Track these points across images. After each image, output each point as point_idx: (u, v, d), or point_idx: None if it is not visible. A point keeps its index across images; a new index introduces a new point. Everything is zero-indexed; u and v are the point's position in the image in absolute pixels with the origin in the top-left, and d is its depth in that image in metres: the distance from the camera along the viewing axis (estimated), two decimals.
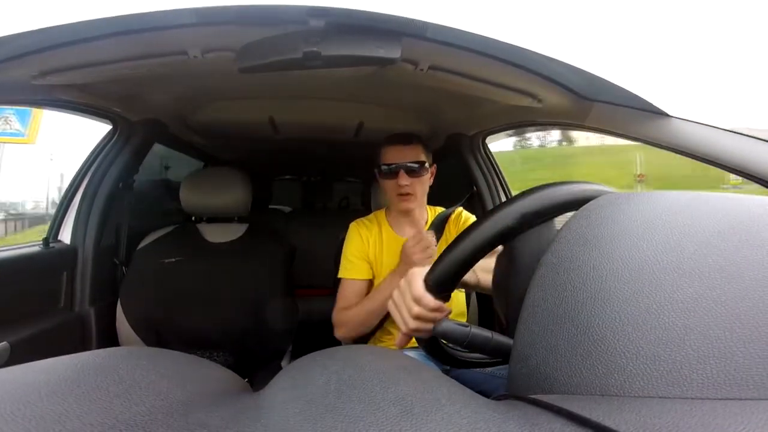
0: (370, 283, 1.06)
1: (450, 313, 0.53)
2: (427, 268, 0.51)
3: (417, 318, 0.51)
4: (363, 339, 1.08)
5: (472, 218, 1.11)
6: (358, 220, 1.12)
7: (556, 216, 0.45)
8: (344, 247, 1.07)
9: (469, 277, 0.66)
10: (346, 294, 1.01)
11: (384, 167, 1.02)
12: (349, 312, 0.95)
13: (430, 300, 0.49)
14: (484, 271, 0.64)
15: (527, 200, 0.45)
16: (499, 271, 0.49)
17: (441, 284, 0.49)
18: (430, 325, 0.50)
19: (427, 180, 1.05)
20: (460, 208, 1.12)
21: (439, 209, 1.14)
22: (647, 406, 0.20)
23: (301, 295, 1.44)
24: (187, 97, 1.24)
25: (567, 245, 0.30)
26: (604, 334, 0.23)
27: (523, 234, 0.45)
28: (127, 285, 1.21)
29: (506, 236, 0.45)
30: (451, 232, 1.08)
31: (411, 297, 0.51)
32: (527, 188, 0.46)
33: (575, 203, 0.43)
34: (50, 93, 0.89)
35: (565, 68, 0.69)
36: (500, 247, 0.48)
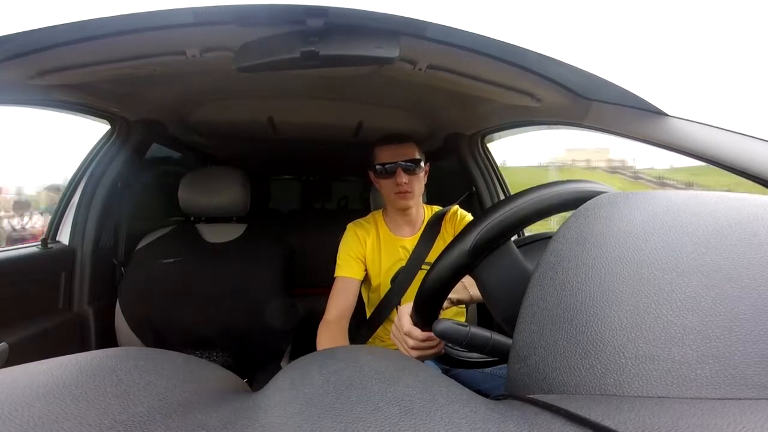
0: (361, 283, 1.06)
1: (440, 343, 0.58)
2: (411, 305, 0.55)
3: (414, 348, 0.56)
4: (364, 338, 1.08)
5: (468, 216, 1.11)
6: (355, 221, 1.12)
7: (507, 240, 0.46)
8: (340, 247, 1.08)
9: (462, 295, 0.70)
10: (335, 292, 1.01)
11: (380, 167, 1.03)
12: (322, 336, 0.94)
13: (418, 333, 0.55)
14: (475, 286, 0.66)
15: (471, 236, 0.45)
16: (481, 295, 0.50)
17: (422, 319, 0.54)
18: (430, 351, 0.56)
19: (422, 178, 1.06)
20: (456, 207, 1.13)
21: (437, 208, 1.15)
22: (646, 405, 0.20)
23: (299, 294, 1.43)
24: (186, 96, 1.24)
25: (566, 244, 0.30)
26: (602, 333, 0.23)
27: (483, 262, 0.46)
28: (126, 285, 1.21)
29: (464, 269, 0.46)
30: (447, 231, 1.08)
31: (403, 332, 0.57)
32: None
33: (527, 222, 0.45)
34: (47, 93, 0.88)
35: (564, 67, 0.69)
36: None
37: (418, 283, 0.87)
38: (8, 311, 0.99)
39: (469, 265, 0.45)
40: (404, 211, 1.06)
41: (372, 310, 1.09)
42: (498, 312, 0.45)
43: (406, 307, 0.58)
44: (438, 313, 0.53)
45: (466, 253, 0.45)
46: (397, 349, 0.59)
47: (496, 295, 0.45)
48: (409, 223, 1.09)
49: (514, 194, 0.46)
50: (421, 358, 0.57)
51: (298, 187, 3.11)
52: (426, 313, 0.52)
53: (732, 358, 0.20)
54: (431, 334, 0.51)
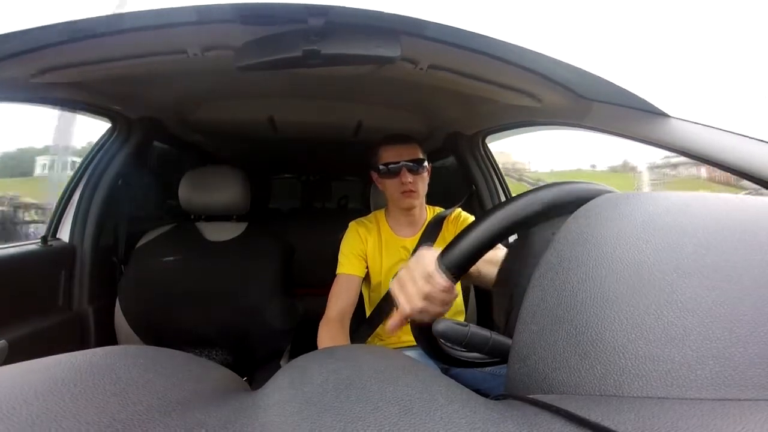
0: (362, 281, 1.06)
1: (456, 296, 0.51)
2: (438, 250, 0.47)
3: (426, 298, 0.47)
4: (363, 337, 1.08)
5: (471, 218, 1.11)
6: (357, 219, 1.13)
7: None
8: (342, 245, 1.08)
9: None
10: (337, 290, 1.02)
11: (384, 167, 1.03)
12: (323, 334, 0.94)
13: (441, 279, 0.45)
14: (487, 262, 0.60)
15: (553, 191, 0.44)
16: (510, 261, 0.48)
17: (456, 265, 0.46)
18: (437, 309, 0.47)
19: (426, 178, 1.07)
20: (459, 210, 1.13)
21: (438, 209, 1.15)
22: (646, 406, 0.20)
23: (299, 294, 1.43)
24: (187, 95, 1.24)
25: (567, 245, 0.30)
26: (603, 334, 0.23)
27: (543, 225, 0.45)
28: (126, 283, 1.21)
29: (530, 222, 0.45)
30: (449, 231, 1.08)
31: (421, 274, 0.47)
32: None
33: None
34: (49, 91, 0.88)
35: (565, 68, 0.69)
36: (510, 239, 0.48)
37: None
38: (8, 309, 0.98)
39: (546, 215, 0.44)
40: (408, 210, 1.07)
41: (372, 308, 1.09)
42: (525, 282, 0.44)
43: (430, 250, 0.49)
44: (472, 265, 0.47)
45: (564, 201, 0.43)
46: (396, 350, 0.56)
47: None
48: (412, 223, 1.10)
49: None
50: (421, 315, 0.48)
51: (298, 186, 3.11)
52: (465, 258, 0.45)
53: (732, 359, 0.20)
54: (453, 285, 0.46)
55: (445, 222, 1.09)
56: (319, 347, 0.90)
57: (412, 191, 1.01)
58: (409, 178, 1.01)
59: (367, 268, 1.07)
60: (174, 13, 0.62)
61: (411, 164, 1.01)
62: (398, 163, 1.01)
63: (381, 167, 1.04)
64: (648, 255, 0.25)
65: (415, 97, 1.22)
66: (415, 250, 1.04)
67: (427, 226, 1.09)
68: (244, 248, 1.27)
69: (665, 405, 0.20)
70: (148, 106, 1.23)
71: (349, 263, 1.04)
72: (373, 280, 1.08)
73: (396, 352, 0.33)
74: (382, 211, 1.14)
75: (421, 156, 1.04)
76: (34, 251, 1.10)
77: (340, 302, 0.99)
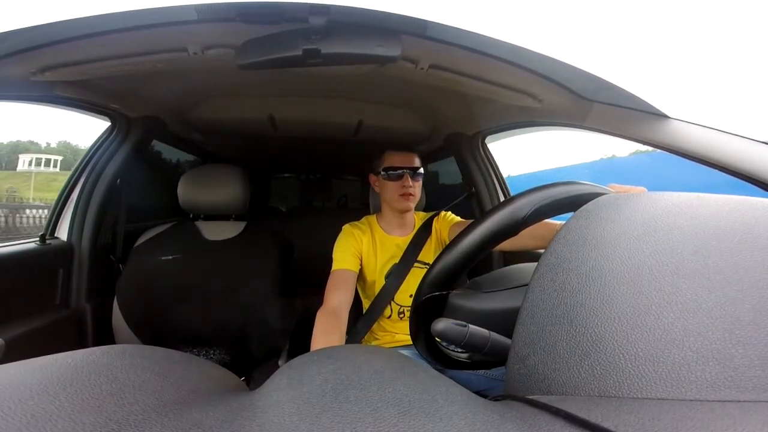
0: (357, 276, 1.09)
1: None
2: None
3: None
4: (359, 334, 1.09)
5: (454, 216, 1.18)
6: (351, 223, 1.16)
7: None
8: (336, 245, 1.11)
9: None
10: (334, 283, 1.04)
11: (384, 172, 1.11)
12: (319, 325, 0.93)
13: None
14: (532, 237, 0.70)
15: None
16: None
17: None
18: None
19: (420, 185, 1.15)
20: (443, 212, 1.21)
21: (424, 214, 1.22)
22: (645, 407, 0.20)
23: (298, 293, 1.43)
24: (187, 93, 1.24)
25: (566, 246, 0.29)
26: (602, 334, 0.23)
27: None
28: (124, 282, 1.21)
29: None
30: (436, 230, 1.15)
31: None
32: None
33: None
34: (50, 89, 0.88)
35: (565, 68, 0.69)
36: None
37: (411, 279, 0.85)
38: (5, 307, 0.98)
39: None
40: (403, 213, 1.13)
41: (369, 305, 1.11)
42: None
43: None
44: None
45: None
46: (393, 349, 0.58)
47: None
48: (402, 225, 1.16)
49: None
50: None
51: (297, 185, 3.11)
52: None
53: (732, 360, 0.20)
54: None
55: (433, 222, 1.17)
56: (314, 336, 0.91)
57: (410, 195, 1.10)
58: (410, 182, 1.09)
59: (361, 266, 1.10)
60: (175, 11, 0.62)
61: (412, 171, 1.10)
62: (402, 168, 1.09)
63: (382, 171, 1.11)
64: (648, 256, 0.25)
65: (415, 96, 1.22)
66: (407, 249, 1.11)
67: (419, 227, 1.15)
68: (242, 247, 1.27)
69: (665, 406, 0.19)
70: (147, 104, 1.23)
71: (344, 259, 1.07)
72: (369, 277, 1.10)
73: (395, 352, 0.33)
74: (374, 216, 1.19)
75: (420, 165, 1.13)
76: (32, 249, 1.09)
77: (338, 294, 1.00)
